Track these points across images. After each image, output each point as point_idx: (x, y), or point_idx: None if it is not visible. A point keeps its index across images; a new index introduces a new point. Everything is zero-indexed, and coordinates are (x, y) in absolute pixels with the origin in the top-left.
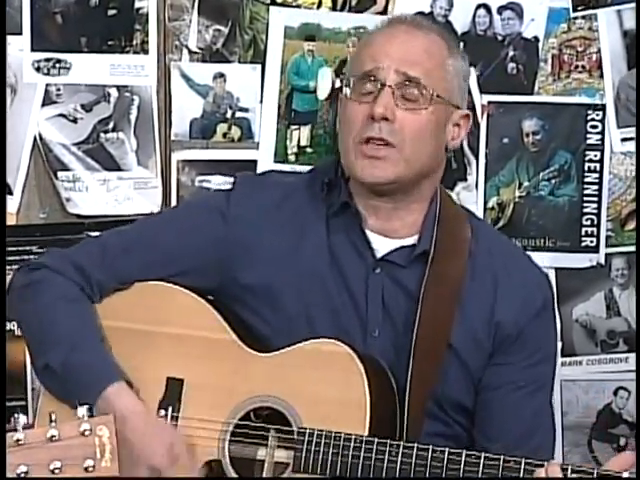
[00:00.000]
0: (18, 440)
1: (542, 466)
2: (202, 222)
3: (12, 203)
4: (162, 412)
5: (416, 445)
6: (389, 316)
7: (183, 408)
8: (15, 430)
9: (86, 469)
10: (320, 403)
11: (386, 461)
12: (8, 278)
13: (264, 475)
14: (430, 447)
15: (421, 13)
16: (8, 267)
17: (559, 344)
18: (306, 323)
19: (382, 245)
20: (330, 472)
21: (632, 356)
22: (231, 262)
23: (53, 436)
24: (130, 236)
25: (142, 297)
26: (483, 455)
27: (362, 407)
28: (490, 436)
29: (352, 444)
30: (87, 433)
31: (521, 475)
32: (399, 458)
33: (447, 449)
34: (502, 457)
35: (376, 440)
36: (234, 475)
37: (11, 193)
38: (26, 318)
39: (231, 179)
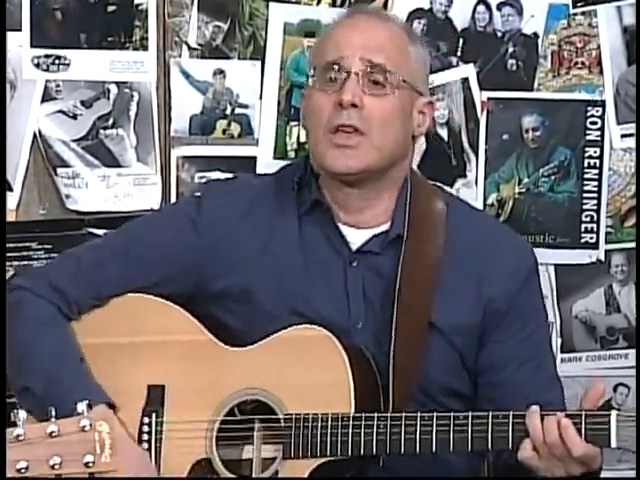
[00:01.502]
0: (18, 436)
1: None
2: (174, 231)
3: (12, 199)
4: (146, 420)
5: (404, 414)
6: (371, 307)
7: (167, 413)
8: (15, 425)
9: (86, 464)
10: (303, 388)
11: (375, 434)
12: (8, 275)
13: (253, 470)
14: (418, 414)
15: (420, 9)
16: (8, 263)
17: (559, 340)
18: (285, 322)
19: (356, 237)
20: (320, 453)
21: (632, 352)
22: (206, 267)
23: (53, 432)
24: (104, 249)
25: (115, 310)
26: (471, 414)
27: (345, 386)
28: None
29: (340, 422)
30: (87, 429)
31: (510, 427)
32: (388, 430)
33: (435, 413)
34: (490, 413)
35: (363, 415)
36: (225, 472)
37: (11, 189)
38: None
39: (230, 175)
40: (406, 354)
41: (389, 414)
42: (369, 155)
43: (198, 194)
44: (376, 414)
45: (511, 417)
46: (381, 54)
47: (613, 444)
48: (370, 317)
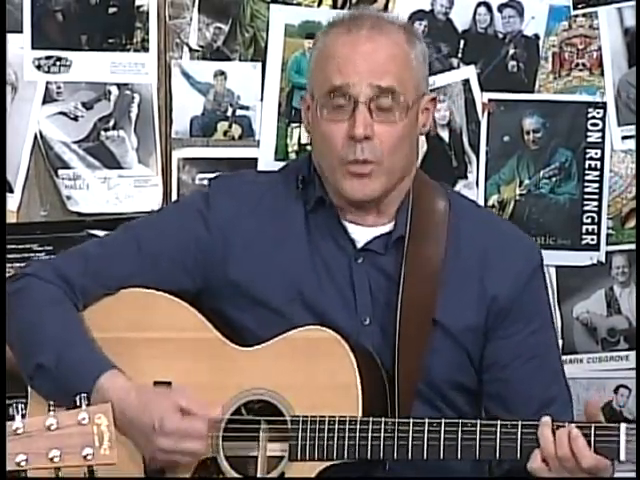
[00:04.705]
0: (17, 429)
1: (537, 427)
2: (183, 226)
3: (13, 201)
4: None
5: (411, 420)
6: (377, 303)
7: None
8: (13, 419)
9: (85, 457)
10: (311, 390)
11: (382, 439)
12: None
13: (258, 469)
14: (426, 420)
15: (422, 11)
16: (9, 265)
17: (560, 342)
18: (293, 318)
19: (361, 235)
20: (327, 457)
21: (633, 354)
22: (215, 263)
23: (51, 425)
24: (112, 245)
25: (122, 305)
26: (479, 422)
27: (354, 389)
28: (511, 409)
29: (347, 426)
30: (85, 422)
31: (519, 437)
32: (395, 434)
33: (443, 420)
34: (498, 422)
35: (371, 419)
36: (230, 471)
37: (12, 191)
38: (12, 324)
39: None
40: (412, 350)
41: (396, 419)
42: (383, 179)
43: (206, 190)
44: (383, 419)
45: (520, 427)
46: (388, 76)
47: (622, 457)
48: (378, 313)
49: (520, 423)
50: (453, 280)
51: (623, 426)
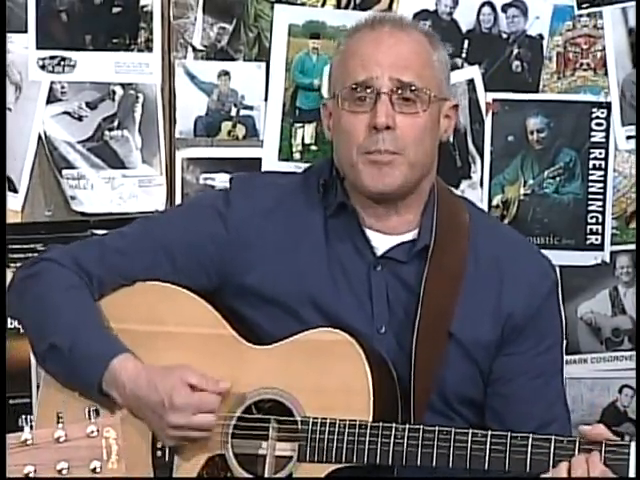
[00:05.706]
0: (25, 440)
1: (549, 440)
2: (202, 223)
3: (17, 201)
4: None
5: (422, 427)
6: (394, 312)
7: None
8: (22, 430)
9: (93, 470)
10: (322, 392)
11: (392, 445)
12: (9, 276)
13: (266, 469)
14: (436, 428)
15: (426, 11)
16: (13, 265)
17: (564, 342)
18: (308, 320)
19: (382, 242)
20: (336, 460)
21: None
22: (232, 263)
23: (60, 437)
24: (130, 237)
25: (139, 298)
26: (490, 433)
27: (365, 393)
28: (509, 426)
29: (357, 430)
30: (94, 434)
31: (529, 449)
32: (405, 441)
33: (453, 429)
34: (509, 434)
35: (381, 424)
36: (238, 468)
37: (16, 191)
38: (27, 306)
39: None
40: (427, 362)
41: (407, 426)
42: (404, 171)
43: (226, 188)
44: (394, 424)
45: (530, 439)
46: (409, 71)
47: (631, 473)
48: (394, 323)
49: (531, 436)
50: (470, 294)
51: (633, 444)
